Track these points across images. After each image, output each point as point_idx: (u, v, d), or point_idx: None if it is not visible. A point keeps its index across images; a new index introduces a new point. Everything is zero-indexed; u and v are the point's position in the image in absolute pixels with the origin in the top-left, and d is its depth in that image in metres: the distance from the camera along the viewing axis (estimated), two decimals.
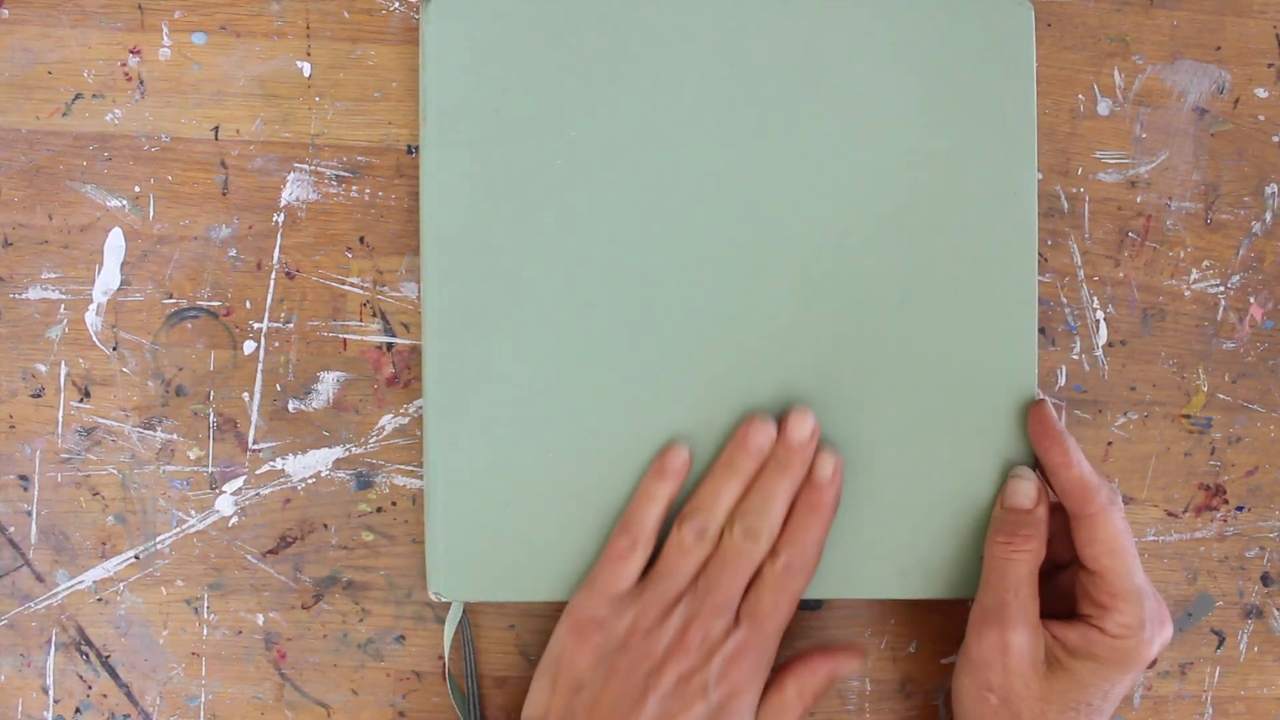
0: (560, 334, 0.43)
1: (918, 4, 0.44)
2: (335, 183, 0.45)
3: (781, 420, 0.42)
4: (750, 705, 0.41)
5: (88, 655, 0.45)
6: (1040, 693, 0.41)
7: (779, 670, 0.42)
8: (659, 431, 0.43)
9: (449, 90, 0.43)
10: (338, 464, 0.45)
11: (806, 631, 0.47)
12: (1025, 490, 0.43)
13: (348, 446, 0.45)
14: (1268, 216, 0.48)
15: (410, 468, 0.45)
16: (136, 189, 0.45)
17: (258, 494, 0.45)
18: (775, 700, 0.42)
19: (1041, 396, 0.44)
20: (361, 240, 0.45)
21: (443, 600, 0.44)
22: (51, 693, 0.45)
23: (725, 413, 0.44)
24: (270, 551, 0.45)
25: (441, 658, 0.45)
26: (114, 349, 0.45)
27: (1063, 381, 0.47)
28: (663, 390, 0.43)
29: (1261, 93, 0.48)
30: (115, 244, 0.45)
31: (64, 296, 0.45)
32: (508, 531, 0.43)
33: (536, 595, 0.43)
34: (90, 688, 0.45)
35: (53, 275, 0.45)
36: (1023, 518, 0.42)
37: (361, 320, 0.45)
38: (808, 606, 0.47)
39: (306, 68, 0.45)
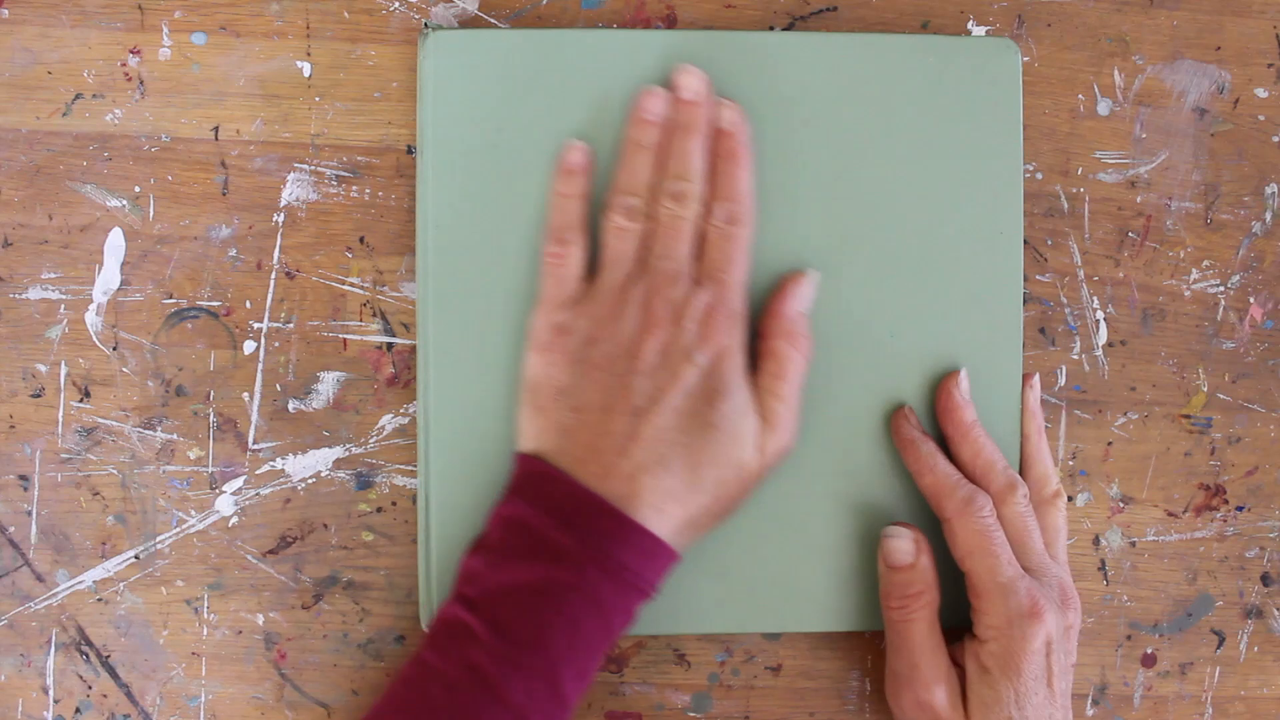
0: None
1: (907, 46, 0.44)
2: (335, 183, 0.45)
3: (670, 84, 0.43)
4: (738, 364, 0.41)
5: (88, 655, 0.45)
6: None
7: (755, 339, 0.42)
8: None
9: (446, 124, 0.43)
10: (338, 464, 0.45)
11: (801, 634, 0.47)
12: (903, 548, 0.42)
13: (348, 446, 0.45)
14: (1268, 216, 0.48)
15: (410, 468, 0.45)
16: (136, 189, 0.45)
17: (258, 494, 0.45)
18: (769, 361, 0.42)
19: (903, 406, 0.44)
20: (361, 240, 0.45)
21: None
22: (51, 693, 0.45)
23: None
24: (270, 551, 0.45)
25: None
26: (114, 349, 0.45)
27: (1063, 381, 0.47)
28: None
29: (1261, 93, 0.48)
30: (115, 244, 0.45)
31: (64, 296, 0.45)
32: None
33: None
34: (90, 688, 0.45)
35: (53, 275, 0.45)
36: (908, 575, 0.42)
37: (361, 320, 0.45)
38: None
39: (306, 68, 0.45)
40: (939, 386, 0.44)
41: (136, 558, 0.45)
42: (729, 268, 0.41)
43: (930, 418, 0.44)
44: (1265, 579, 0.48)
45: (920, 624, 0.42)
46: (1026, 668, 0.40)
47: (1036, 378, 0.46)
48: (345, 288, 0.45)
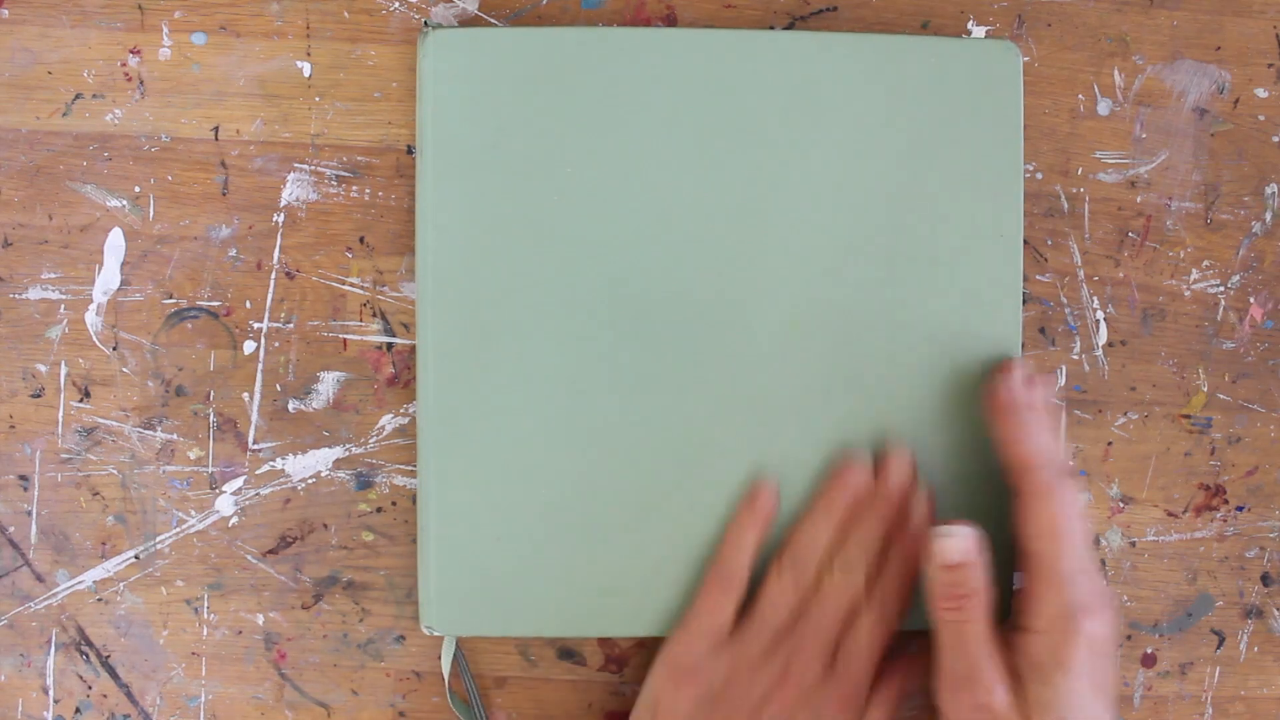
0: (556, 372, 0.43)
1: (906, 47, 0.44)
2: (335, 183, 0.45)
3: (881, 462, 0.43)
4: None
5: (88, 655, 0.45)
6: None
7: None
8: (649, 469, 0.43)
9: (446, 125, 0.43)
10: (338, 464, 0.45)
11: None
12: (961, 546, 0.41)
13: (348, 446, 0.45)
14: (1268, 216, 0.48)
15: (410, 468, 0.46)
16: (136, 189, 0.45)
17: (258, 494, 0.45)
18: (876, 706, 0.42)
19: (1010, 360, 0.43)
20: (361, 240, 0.45)
21: (435, 635, 0.44)
22: (51, 693, 0.45)
23: (721, 439, 0.44)
24: (270, 551, 0.45)
25: (443, 670, 0.46)
26: (114, 349, 0.45)
27: (1063, 381, 0.47)
28: (655, 427, 0.43)
29: (1261, 93, 0.48)
30: (115, 244, 0.45)
31: (64, 296, 0.45)
32: (500, 566, 0.43)
33: (529, 630, 0.44)
34: (90, 688, 0.45)
35: (53, 275, 0.45)
36: (963, 575, 0.41)
37: (361, 320, 0.45)
38: None
39: (306, 68, 0.45)
40: (993, 375, 0.43)
41: (136, 558, 0.45)
42: (865, 661, 0.42)
43: (929, 420, 0.44)
44: (1265, 579, 0.48)
45: (979, 623, 0.41)
46: (1078, 664, 0.39)
47: (1013, 370, 0.45)
48: (345, 288, 0.45)
